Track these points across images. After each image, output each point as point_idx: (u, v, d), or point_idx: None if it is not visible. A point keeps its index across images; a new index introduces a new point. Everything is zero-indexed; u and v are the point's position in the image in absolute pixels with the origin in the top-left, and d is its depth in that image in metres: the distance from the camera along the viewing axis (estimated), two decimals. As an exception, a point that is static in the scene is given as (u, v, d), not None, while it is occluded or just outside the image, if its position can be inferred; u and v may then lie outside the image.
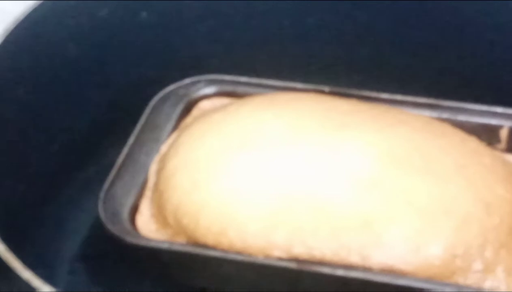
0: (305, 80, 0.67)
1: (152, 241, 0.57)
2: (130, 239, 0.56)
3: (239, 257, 0.54)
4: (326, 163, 0.58)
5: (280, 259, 0.54)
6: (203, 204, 0.57)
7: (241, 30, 0.72)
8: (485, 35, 0.69)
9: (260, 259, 0.54)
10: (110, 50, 0.69)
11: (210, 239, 0.55)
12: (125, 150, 0.62)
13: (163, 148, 0.63)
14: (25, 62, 0.62)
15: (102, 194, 0.59)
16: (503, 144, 0.64)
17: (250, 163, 0.58)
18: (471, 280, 0.53)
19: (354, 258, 0.53)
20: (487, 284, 0.53)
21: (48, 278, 0.48)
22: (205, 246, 0.55)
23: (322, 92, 0.66)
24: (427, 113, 0.64)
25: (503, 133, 0.63)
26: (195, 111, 0.67)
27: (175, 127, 0.65)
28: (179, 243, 0.57)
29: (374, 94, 0.66)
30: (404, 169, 0.57)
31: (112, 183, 0.60)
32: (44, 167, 0.64)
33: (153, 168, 0.62)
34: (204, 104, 0.68)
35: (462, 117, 0.64)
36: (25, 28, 0.62)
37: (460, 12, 0.69)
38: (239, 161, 0.58)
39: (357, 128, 0.60)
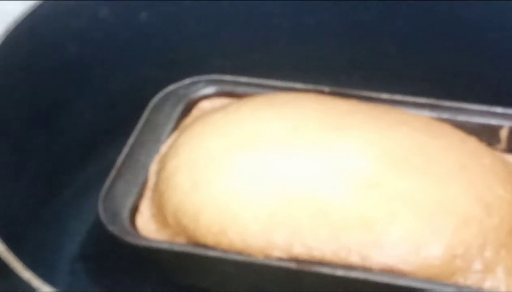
0: (305, 80, 0.67)
1: (152, 241, 0.57)
2: (130, 239, 0.56)
3: (239, 257, 0.54)
4: (326, 164, 0.58)
5: (280, 259, 0.54)
6: (203, 204, 0.57)
7: (241, 30, 0.72)
8: (485, 35, 0.69)
9: (260, 259, 0.54)
10: (110, 50, 0.69)
11: (210, 239, 0.55)
12: (125, 150, 0.62)
13: (163, 148, 0.63)
14: (25, 62, 0.62)
15: (102, 194, 0.59)
16: (503, 144, 0.64)
17: (250, 163, 0.58)
18: (471, 280, 0.53)
19: (354, 258, 0.53)
20: (487, 284, 0.53)
21: (48, 278, 0.48)
22: (205, 246, 0.55)
23: (322, 92, 0.66)
24: (427, 113, 0.64)
25: (503, 133, 0.63)
26: (195, 111, 0.67)
27: (175, 127, 0.65)
28: (179, 243, 0.57)
29: (374, 94, 0.66)
30: (404, 169, 0.57)
31: (112, 183, 0.60)
32: (44, 167, 0.64)
33: (153, 168, 0.62)
34: (204, 104, 0.68)
35: (462, 118, 0.64)
36: (25, 28, 0.62)
37: (460, 12, 0.69)
38: (239, 161, 0.58)
39: (357, 128, 0.60)
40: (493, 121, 0.64)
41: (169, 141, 0.64)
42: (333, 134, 0.60)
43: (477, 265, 0.53)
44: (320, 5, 0.71)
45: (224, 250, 0.55)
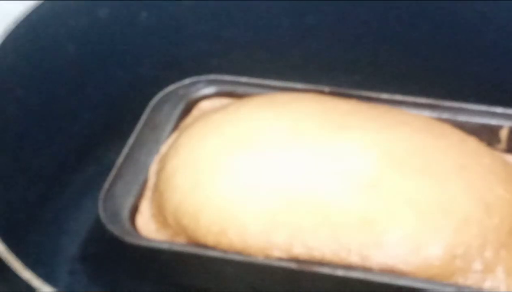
0: (305, 80, 0.67)
1: (152, 241, 0.57)
2: (130, 239, 0.56)
3: (239, 257, 0.54)
4: (326, 164, 0.58)
5: (280, 259, 0.54)
6: (203, 204, 0.57)
7: (241, 30, 0.72)
8: (485, 35, 0.69)
9: (260, 259, 0.54)
10: (110, 50, 0.69)
11: (210, 239, 0.55)
12: (125, 150, 0.62)
13: (163, 148, 0.63)
14: (25, 62, 0.62)
15: (102, 194, 0.59)
16: (503, 144, 0.64)
17: (250, 163, 0.58)
18: (471, 280, 0.53)
19: (354, 258, 0.53)
20: (487, 285, 0.53)
21: (48, 278, 0.48)
22: (205, 246, 0.55)
23: (322, 92, 0.66)
24: (427, 113, 0.64)
25: (503, 134, 0.63)
26: (195, 111, 0.67)
27: (175, 127, 0.65)
28: (179, 243, 0.57)
29: (374, 94, 0.66)
30: (404, 169, 0.57)
31: (112, 183, 0.60)
32: (44, 167, 0.64)
33: (153, 168, 0.62)
34: (204, 104, 0.68)
35: (462, 118, 0.64)
36: (25, 28, 0.62)
37: (460, 12, 0.69)
38: (239, 161, 0.58)
39: (357, 128, 0.60)
40: (493, 121, 0.64)
41: (169, 141, 0.64)
42: (333, 134, 0.60)
43: (477, 265, 0.53)
44: (320, 5, 0.71)
45: (224, 250, 0.55)
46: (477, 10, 0.68)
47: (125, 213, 0.58)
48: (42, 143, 0.64)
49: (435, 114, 0.64)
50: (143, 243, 0.56)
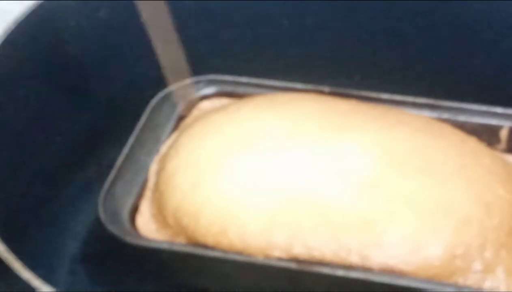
0: (305, 80, 0.67)
1: (152, 241, 0.57)
2: (130, 239, 0.56)
3: (239, 257, 0.55)
4: (326, 164, 0.58)
5: (280, 259, 0.54)
6: (203, 204, 0.57)
7: (241, 30, 0.72)
8: (485, 35, 0.70)
9: (260, 259, 0.54)
10: (110, 50, 0.69)
11: (210, 239, 0.55)
12: (125, 150, 0.62)
13: (163, 148, 0.63)
14: (25, 62, 0.62)
15: (102, 194, 0.59)
16: (503, 144, 0.64)
17: (250, 163, 0.58)
18: (471, 280, 0.53)
19: (354, 258, 0.53)
20: (487, 284, 0.53)
21: (48, 278, 0.48)
22: (205, 246, 0.55)
23: (322, 92, 0.66)
24: (427, 113, 0.64)
25: (503, 134, 0.63)
26: (195, 111, 0.67)
27: (175, 127, 0.65)
28: (179, 243, 0.57)
29: (374, 94, 0.66)
30: (404, 169, 0.57)
31: (112, 183, 0.60)
32: (44, 167, 0.64)
33: (153, 168, 0.62)
34: (204, 104, 0.68)
35: (462, 118, 0.64)
36: (25, 28, 0.62)
37: (460, 12, 0.69)
38: (239, 161, 0.58)
39: (357, 128, 0.60)
40: (493, 121, 0.64)
41: (169, 141, 0.64)
42: (333, 134, 0.60)
43: (477, 265, 0.53)
44: (320, 5, 0.71)
45: (224, 250, 0.55)
46: (477, 10, 0.68)
47: (125, 213, 0.59)
48: (42, 143, 0.64)
49: (435, 114, 0.64)
50: (143, 243, 0.57)
